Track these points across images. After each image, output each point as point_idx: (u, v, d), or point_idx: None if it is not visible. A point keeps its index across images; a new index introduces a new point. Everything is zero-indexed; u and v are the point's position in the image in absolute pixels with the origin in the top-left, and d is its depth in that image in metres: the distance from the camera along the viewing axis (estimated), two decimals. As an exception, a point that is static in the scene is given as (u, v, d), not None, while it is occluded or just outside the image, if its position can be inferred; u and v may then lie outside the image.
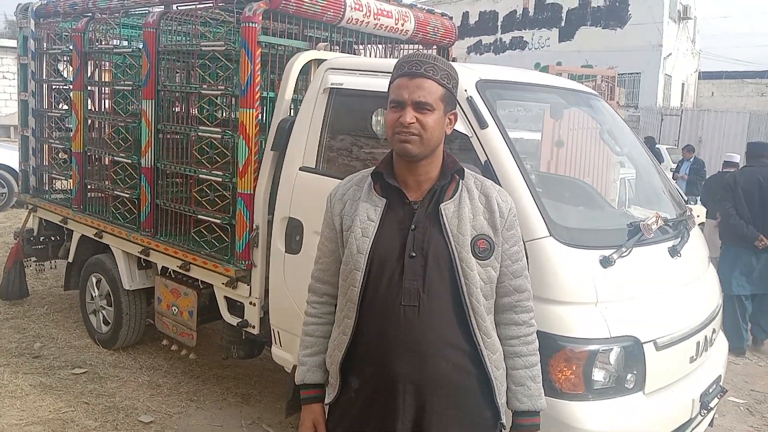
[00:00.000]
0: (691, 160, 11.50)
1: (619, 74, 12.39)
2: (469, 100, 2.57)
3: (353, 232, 1.77)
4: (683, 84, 25.83)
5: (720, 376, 2.97)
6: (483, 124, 2.53)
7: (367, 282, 1.75)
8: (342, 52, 3.94)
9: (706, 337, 2.83)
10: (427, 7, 4.52)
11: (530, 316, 1.87)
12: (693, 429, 2.73)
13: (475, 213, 1.77)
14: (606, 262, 2.43)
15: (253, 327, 3.42)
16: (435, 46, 4.68)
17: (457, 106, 2.57)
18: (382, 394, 1.74)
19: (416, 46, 4.55)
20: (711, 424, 3.06)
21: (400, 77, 1.73)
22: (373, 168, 1.85)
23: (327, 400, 1.89)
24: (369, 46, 4.31)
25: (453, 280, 1.71)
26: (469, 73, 2.69)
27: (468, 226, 1.73)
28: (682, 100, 25.28)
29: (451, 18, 4.71)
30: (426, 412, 1.73)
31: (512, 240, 1.82)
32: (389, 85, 1.78)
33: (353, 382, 1.80)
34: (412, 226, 1.73)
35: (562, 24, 23.72)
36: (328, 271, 1.91)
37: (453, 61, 5.03)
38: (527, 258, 2.31)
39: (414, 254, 1.71)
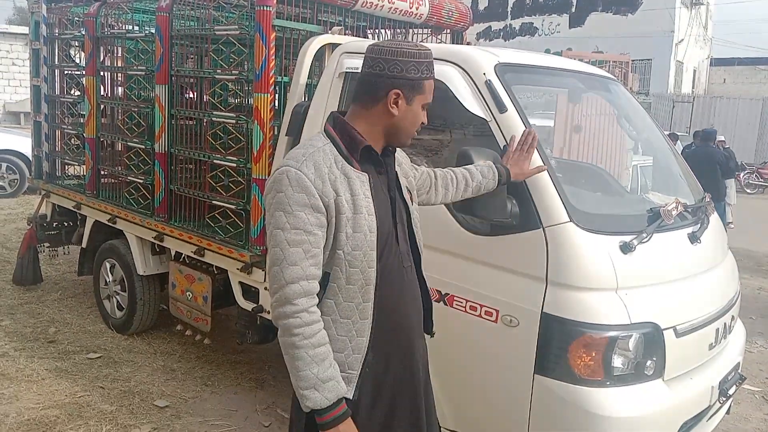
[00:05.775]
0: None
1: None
2: (488, 84, 2.54)
3: (359, 213, 1.69)
4: (695, 70, 25.58)
5: (738, 363, 2.95)
6: (502, 108, 2.50)
7: (380, 258, 1.77)
8: (355, 36, 3.90)
9: (725, 323, 2.81)
10: (441, -9, 4.46)
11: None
12: (711, 416, 2.73)
13: (405, 171, 1.99)
14: (626, 248, 2.40)
15: (268, 312, 3.42)
16: (448, 31, 4.63)
17: (475, 88, 2.57)
18: (408, 354, 1.88)
19: (425, 32, 4.51)
20: (728, 411, 3.05)
21: (429, 79, 1.79)
22: (337, 142, 1.74)
23: (351, 395, 1.72)
24: (379, 30, 4.26)
25: (411, 232, 1.93)
26: (488, 57, 2.66)
27: (405, 182, 1.95)
28: (693, 87, 25.05)
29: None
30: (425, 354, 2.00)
31: (412, 171, 2.07)
32: (420, 81, 1.75)
33: (371, 357, 1.77)
34: (391, 194, 1.85)
35: (573, 10, 23.51)
36: (320, 265, 1.68)
37: (467, 45, 4.97)
38: (547, 243, 2.33)
39: (396, 217, 1.85)
